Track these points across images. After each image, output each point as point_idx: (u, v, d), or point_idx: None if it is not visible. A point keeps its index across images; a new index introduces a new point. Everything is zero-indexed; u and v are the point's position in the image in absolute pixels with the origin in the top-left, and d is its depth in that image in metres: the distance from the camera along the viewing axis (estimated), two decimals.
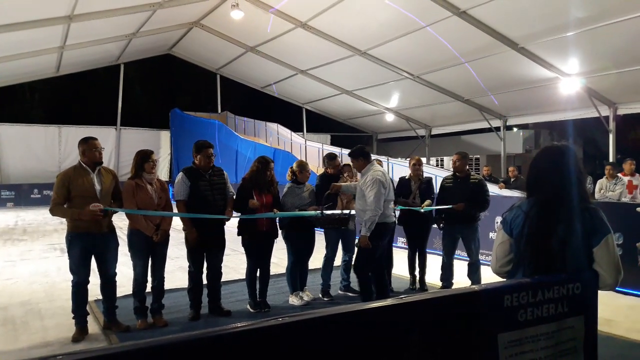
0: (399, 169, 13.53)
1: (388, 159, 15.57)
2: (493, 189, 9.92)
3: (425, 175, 6.87)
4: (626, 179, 9.03)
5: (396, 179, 6.90)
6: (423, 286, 6.62)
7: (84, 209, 4.56)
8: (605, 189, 9.07)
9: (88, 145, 4.82)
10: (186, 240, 5.37)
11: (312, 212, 5.67)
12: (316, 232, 6.11)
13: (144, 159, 5.03)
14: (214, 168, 5.44)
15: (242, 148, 19.82)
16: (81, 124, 23.17)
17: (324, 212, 5.58)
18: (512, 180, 12.25)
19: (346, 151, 15.92)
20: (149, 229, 4.93)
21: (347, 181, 6.17)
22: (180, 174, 5.31)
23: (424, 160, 6.96)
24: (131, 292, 5.13)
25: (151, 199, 5.00)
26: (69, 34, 14.28)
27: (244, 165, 18.60)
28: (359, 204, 5.26)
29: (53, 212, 4.71)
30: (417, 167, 6.65)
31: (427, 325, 1.90)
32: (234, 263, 7.89)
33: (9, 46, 14.24)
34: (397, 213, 6.46)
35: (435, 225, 6.65)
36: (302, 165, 6.01)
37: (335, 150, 16.16)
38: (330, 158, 6.43)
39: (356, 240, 6.02)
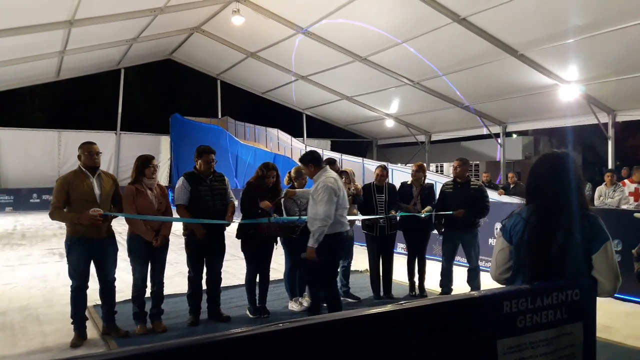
0: (398, 174, 13.53)
1: (388, 165, 15.59)
2: (492, 195, 9.93)
3: (427, 181, 6.88)
4: (634, 186, 9.05)
5: (396, 185, 6.90)
6: (422, 292, 6.62)
7: (84, 213, 4.57)
8: (604, 196, 9.08)
9: (85, 150, 4.83)
10: (186, 245, 5.38)
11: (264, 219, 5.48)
12: None
13: (144, 164, 5.04)
14: (215, 173, 5.44)
15: (242, 153, 19.84)
16: (81, 129, 23.18)
17: (272, 219, 5.41)
18: (511, 186, 12.27)
19: (346, 157, 15.93)
20: (149, 234, 4.93)
21: (345, 187, 6.17)
22: (181, 178, 5.32)
23: None
24: (130, 298, 5.13)
25: (151, 204, 5.00)
26: (70, 38, 14.31)
27: (244, 170, 18.61)
28: (311, 212, 4.89)
29: (52, 216, 4.71)
30: (417, 173, 6.65)
31: (427, 331, 1.90)
32: (234, 268, 7.88)
33: (10, 50, 14.26)
34: (398, 218, 6.46)
35: (435, 231, 6.66)
36: (299, 172, 6.02)
37: (335, 155, 16.18)
38: (328, 163, 6.44)
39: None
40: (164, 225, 5.09)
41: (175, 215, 5.29)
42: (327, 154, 18.68)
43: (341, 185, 4.99)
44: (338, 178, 5.05)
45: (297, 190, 5.50)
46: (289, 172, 6.07)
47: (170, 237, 5.18)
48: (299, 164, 5.29)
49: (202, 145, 5.47)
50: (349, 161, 15.38)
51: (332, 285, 5.06)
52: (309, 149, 20.05)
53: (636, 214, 6.27)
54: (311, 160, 5.02)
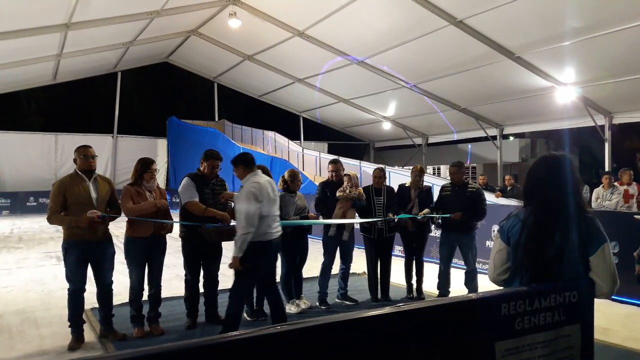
0: (395, 177, 13.57)
1: (385, 167, 15.62)
2: (490, 198, 9.94)
3: (425, 184, 6.88)
4: (623, 188, 9.08)
5: (394, 187, 6.89)
6: (420, 294, 6.61)
7: (81, 216, 4.57)
8: (602, 198, 9.11)
9: (80, 153, 4.84)
10: (183, 248, 5.38)
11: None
12: (309, 239, 6.12)
13: (144, 168, 5.05)
14: (218, 178, 5.46)
15: None
16: (78, 132, 23.14)
17: (208, 225, 5.15)
18: (508, 189, 12.29)
19: (343, 160, 15.98)
20: (154, 205, 4.91)
21: (346, 190, 6.16)
22: (186, 178, 5.30)
23: None
24: (127, 301, 5.11)
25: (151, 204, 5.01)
26: (67, 41, 14.30)
27: None
28: (236, 217, 4.64)
29: (50, 220, 4.71)
30: (417, 176, 6.64)
31: (425, 334, 1.90)
32: (231, 271, 7.85)
33: (6, 54, 14.24)
34: (396, 220, 6.44)
35: (432, 233, 6.65)
36: (294, 175, 6.02)
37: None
38: (332, 162, 6.47)
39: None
40: (165, 225, 5.09)
41: (176, 218, 5.28)
42: (324, 156, 18.74)
43: (267, 190, 4.61)
44: (265, 183, 4.66)
45: (234, 192, 5.20)
46: (283, 176, 6.07)
47: (167, 239, 5.17)
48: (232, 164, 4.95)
49: (211, 150, 5.46)
50: (346, 164, 15.37)
51: (246, 296, 4.75)
52: (306, 151, 20.14)
53: (636, 216, 6.29)
54: (241, 161, 4.76)
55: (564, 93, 13.15)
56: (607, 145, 14.07)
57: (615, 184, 9.28)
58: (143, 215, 4.89)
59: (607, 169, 13.57)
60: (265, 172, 5.59)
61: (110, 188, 5.02)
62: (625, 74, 11.53)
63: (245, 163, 4.75)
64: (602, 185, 9.28)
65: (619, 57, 11.06)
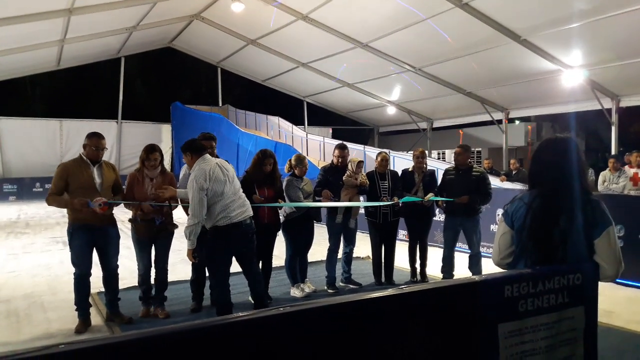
0: (400, 161, 13.53)
1: (389, 152, 15.57)
2: (495, 182, 9.91)
3: (428, 168, 6.86)
4: (632, 170, 9.04)
5: (398, 172, 6.88)
6: (424, 278, 6.63)
7: (78, 199, 4.59)
8: (608, 182, 9.07)
9: (92, 144, 4.83)
10: None
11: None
12: (315, 224, 6.14)
13: (145, 155, 5.06)
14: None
15: (243, 141, 19.83)
16: (82, 118, 23.18)
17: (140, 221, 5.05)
18: (513, 172, 12.25)
19: (348, 144, 15.96)
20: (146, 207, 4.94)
21: (351, 176, 6.15)
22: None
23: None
24: (133, 284, 5.18)
25: (145, 193, 5.01)
26: (70, 27, 14.26)
27: (245, 158, 18.61)
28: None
29: (48, 201, 4.78)
30: (420, 159, 6.63)
31: (428, 316, 1.90)
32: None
33: (10, 39, 14.21)
34: (400, 204, 6.42)
35: (436, 217, 6.64)
36: (300, 160, 6.01)
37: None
38: (337, 146, 6.45)
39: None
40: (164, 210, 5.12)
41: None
42: (328, 141, 18.69)
43: (214, 174, 4.32)
44: (212, 166, 4.37)
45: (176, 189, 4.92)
46: (290, 160, 6.07)
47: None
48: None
49: (205, 133, 5.49)
50: (350, 149, 15.30)
51: (220, 284, 4.56)
52: (310, 136, 20.08)
53: None
54: (188, 148, 4.52)
55: (570, 76, 13.02)
56: (614, 129, 13.96)
57: (626, 167, 9.24)
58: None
59: (613, 152, 13.48)
60: (271, 155, 5.62)
61: (114, 173, 5.03)
62: (632, 56, 11.40)
63: (193, 150, 4.50)
64: (608, 168, 9.24)
65: (627, 40, 10.93)
